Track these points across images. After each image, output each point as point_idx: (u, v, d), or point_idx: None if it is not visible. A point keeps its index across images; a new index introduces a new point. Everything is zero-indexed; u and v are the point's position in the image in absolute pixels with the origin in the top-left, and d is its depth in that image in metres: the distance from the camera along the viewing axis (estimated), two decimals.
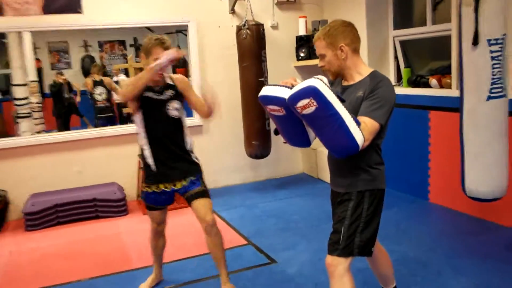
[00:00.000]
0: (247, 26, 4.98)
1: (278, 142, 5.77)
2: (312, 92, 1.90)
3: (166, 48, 2.70)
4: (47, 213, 4.67)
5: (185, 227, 4.36)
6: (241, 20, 5.23)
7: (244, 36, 5.00)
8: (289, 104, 2.01)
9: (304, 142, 2.25)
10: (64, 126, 7.99)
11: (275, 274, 3.38)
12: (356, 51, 2.23)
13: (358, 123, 1.98)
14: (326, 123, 1.96)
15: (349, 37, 2.20)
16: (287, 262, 3.55)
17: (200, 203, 2.90)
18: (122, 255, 3.90)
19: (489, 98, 3.04)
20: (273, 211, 4.81)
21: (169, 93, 2.86)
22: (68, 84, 8.04)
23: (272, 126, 5.50)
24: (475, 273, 3.17)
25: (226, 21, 5.48)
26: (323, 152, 5.58)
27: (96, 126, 7.37)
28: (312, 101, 1.91)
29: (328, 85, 1.95)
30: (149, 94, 2.80)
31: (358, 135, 1.97)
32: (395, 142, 4.64)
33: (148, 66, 2.64)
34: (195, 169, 2.96)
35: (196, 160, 3.00)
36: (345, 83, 2.29)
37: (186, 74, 8.44)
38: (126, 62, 10.10)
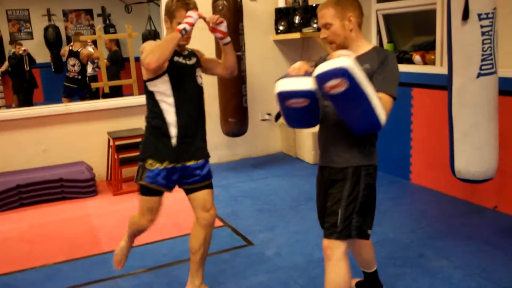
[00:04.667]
0: None
1: (255, 120, 5.75)
2: (345, 73, 1.88)
3: (192, 10, 2.53)
4: (8, 194, 4.55)
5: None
6: None
7: (220, 7, 4.90)
8: (316, 83, 1.98)
9: (312, 125, 2.27)
10: (26, 101, 7.81)
11: (253, 256, 3.39)
12: (360, 25, 2.23)
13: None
14: (354, 103, 1.97)
15: (357, 10, 2.21)
16: (265, 244, 3.56)
17: (208, 194, 2.77)
18: (90, 238, 3.84)
19: (479, 75, 3.03)
20: (250, 191, 4.80)
21: (194, 60, 2.73)
22: (29, 55, 7.80)
23: (251, 102, 5.49)
24: (456, 255, 3.23)
25: None
26: (302, 130, 5.57)
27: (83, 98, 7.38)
28: (344, 81, 1.89)
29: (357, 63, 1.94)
30: (179, 59, 2.62)
31: (382, 114, 2.00)
32: None
33: (176, 28, 2.47)
34: (206, 151, 2.79)
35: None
36: None
37: None
38: (94, 33, 9.88)
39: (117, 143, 4.90)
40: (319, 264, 3.16)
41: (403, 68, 4.69)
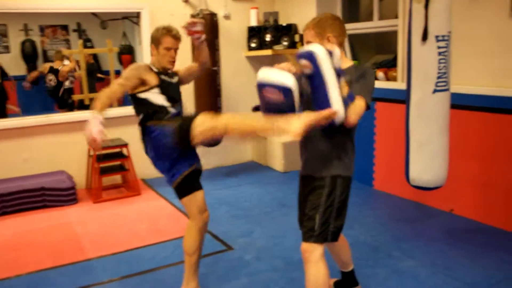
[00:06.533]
0: (201, 15, 4.87)
1: None
2: (309, 57, 2.00)
3: (174, 36, 2.72)
4: None
5: (138, 215, 4.25)
6: (194, 9, 5.14)
7: None
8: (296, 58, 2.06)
9: None
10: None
11: (234, 260, 3.36)
12: (341, 45, 2.27)
13: (351, 98, 2.09)
14: (317, 86, 2.03)
15: (337, 30, 2.25)
16: (244, 249, 3.53)
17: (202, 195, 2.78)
18: (74, 245, 3.72)
19: (435, 91, 3.13)
20: (225, 198, 4.77)
21: (177, 78, 2.89)
22: (1, 68, 7.53)
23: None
24: (422, 255, 3.30)
25: (179, 9, 5.33)
26: (272, 140, 5.60)
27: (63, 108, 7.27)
28: (309, 63, 2.00)
29: (329, 57, 2.01)
30: (165, 78, 2.78)
31: (339, 108, 2.02)
32: None
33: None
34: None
35: None
36: None
37: (132, 61, 8.22)
38: (69, 48, 9.66)
39: (97, 153, 4.79)
40: (298, 266, 3.17)
41: None
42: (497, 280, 2.93)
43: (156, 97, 2.72)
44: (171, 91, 2.79)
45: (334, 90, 2.02)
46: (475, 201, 3.86)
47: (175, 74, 2.91)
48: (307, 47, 2.04)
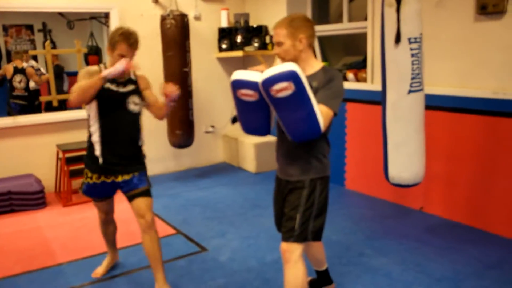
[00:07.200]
0: (171, 16, 4.83)
1: (199, 131, 5.71)
2: (292, 76, 1.92)
3: (131, 45, 2.61)
4: None
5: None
6: (164, 10, 5.09)
7: (168, 26, 4.85)
8: (263, 86, 1.99)
9: (265, 130, 2.25)
10: None
11: (208, 261, 3.34)
12: (311, 46, 2.26)
13: None
14: (298, 107, 1.99)
15: (308, 31, 2.21)
16: (218, 250, 3.52)
17: (142, 202, 2.77)
18: (44, 250, 3.63)
19: (410, 91, 3.20)
20: (197, 200, 4.75)
21: (131, 87, 2.76)
22: None
23: (196, 116, 5.45)
24: (394, 253, 3.36)
25: (149, 10, 5.27)
26: (244, 141, 5.60)
27: (9, 113, 6.84)
28: (291, 84, 1.93)
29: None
30: (110, 86, 2.67)
31: (321, 122, 2.04)
32: None
33: (100, 74, 2.55)
34: (141, 166, 2.83)
35: (144, 157, 2.89)
36: None
37: (99, 62, 8.06)
38: (34, 48, 9.38)
39: (67, 155, 4.68)
40: (272, 266, 3.20)
41: None
42: (466, 275, 3.01)
43: (93, 120, 2.72)
44: (114, 103, 2.69)
45: (317, 106, 2.02)
46: (443, 199, 3.96)
47: (132, 81, 2.77)
48: (278, 68, 1.96)
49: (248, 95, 2.10)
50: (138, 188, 2.77)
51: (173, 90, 2.66)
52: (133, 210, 2.80)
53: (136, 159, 2.81)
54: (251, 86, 2.06)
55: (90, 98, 2.60)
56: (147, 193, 2.80)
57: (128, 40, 2.61)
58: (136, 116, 2.80)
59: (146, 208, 2.77)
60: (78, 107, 3.12)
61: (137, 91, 2.78)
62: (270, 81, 1.96)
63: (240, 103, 2.17)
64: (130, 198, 2.78)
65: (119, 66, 2.55)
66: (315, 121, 2.02)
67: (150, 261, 2.83)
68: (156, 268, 2.82)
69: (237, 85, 2.11)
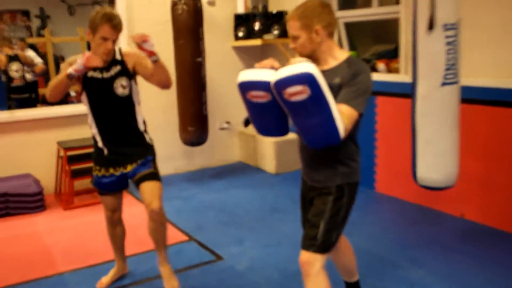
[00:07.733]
0: (183, 1, 4.80)
1: (213, 128, 5.67)
2: (308, 79, 1.83)
3: (115, 26, 2.60)
4: None
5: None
6: None
7: (180, 11, 4.81)
8: (275, 88, 1.91)
9: (283, 130, 2.17)
10: None
11: (224, 271, 3.29)
12: (331, 34, 2.15)
13: None
14: (315, 112, 1.90)
15: (326, 19, 2.11)
16: (235, 258, 3.47)
17: (148, 186, 2.81)
18: (44, 257, 3.62)
19: (444, 84, 3.12)
20: (212, 203, 4.71)
21: (116, 69, 2.75)
22: None
23: (210, 110, 5.41)
24: (431, 264, 3.27)
25: None
26: (262, 139, 5.55)
27: (9, 108, 6.85)
28: (306, 88, 1.83)
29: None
30: (93, 74, 2.72)
31: (341, 127, 1.93)
32: None
33: (66, 71, 2.61)
34: (147, 152, 2.90)
35: (150, 142, 2.95)
36: (318, 68, 2.22)
37: None
38: (30, 35, 9.45)
39: (69, 153, 4.67)
40: (295, 278, 3.09)
41: None
42: None
43: (88, 110, 2.85)
44: (100, 90, 2.75)
45: (337, 114, 1.92)
46: (482, 203, 3.86)
47: (117, 62, 2.75)
48: (292, 69, 1.86)
49: (259, 96, 2.02)
50: (142, 171, 2.83)
51: (139, 36, 2.52)
52: (141, 197, 2.86)
53: (140, 145, 2.89)
54: (262, 86, 1.98)
55: (63, 93, 2.71)
56: (152, 177, 2.84)
57: (111, 21, 2.59)
58: (129, 100, 2.82)
59: (152, 194, 2.81)
60: (79, 100, 3.15)
61: (125, 72, 2.78)
62: (282, 84, 1.88)
63: (251, 106, 2.10)
64: (137, 184, 2.85)
65: (80, 61, 2.58)
66: (334, 127, 1.92)
67: (152, 241, 3.00)
68: (157, 248, 3.00)
69: (245, 87, 2.04)
